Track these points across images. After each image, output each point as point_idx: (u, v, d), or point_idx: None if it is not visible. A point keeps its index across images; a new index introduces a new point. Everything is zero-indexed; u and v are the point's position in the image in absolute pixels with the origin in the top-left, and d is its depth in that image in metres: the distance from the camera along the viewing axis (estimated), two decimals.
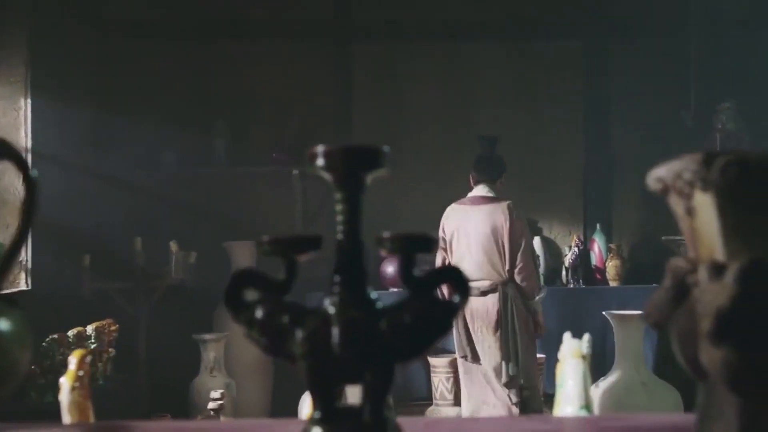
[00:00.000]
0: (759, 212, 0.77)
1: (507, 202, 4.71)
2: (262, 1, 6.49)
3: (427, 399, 5.57)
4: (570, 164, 6.57)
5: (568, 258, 6.12)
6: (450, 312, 0.85)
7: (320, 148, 0.84)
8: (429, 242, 0.86)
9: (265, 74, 6.45)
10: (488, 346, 4.65)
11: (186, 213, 6.11)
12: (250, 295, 0.87)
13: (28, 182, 0.93)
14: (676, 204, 0.84)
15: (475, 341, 4.69)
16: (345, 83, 6.59)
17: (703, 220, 0.80)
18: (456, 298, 0.85)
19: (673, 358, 0.86)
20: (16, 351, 0.94)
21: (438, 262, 4.82)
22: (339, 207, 0.86)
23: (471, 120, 6.53)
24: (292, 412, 4.47)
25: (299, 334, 0.83)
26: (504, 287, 4.63)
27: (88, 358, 1.27)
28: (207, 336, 5.46)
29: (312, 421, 0.83)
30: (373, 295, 0.85)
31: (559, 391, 1.33)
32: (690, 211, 0.82)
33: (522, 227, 4.73)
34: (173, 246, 5.51)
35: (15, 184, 4.84)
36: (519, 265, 4.66)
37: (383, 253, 0.88)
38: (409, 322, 0.83)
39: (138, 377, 5.33)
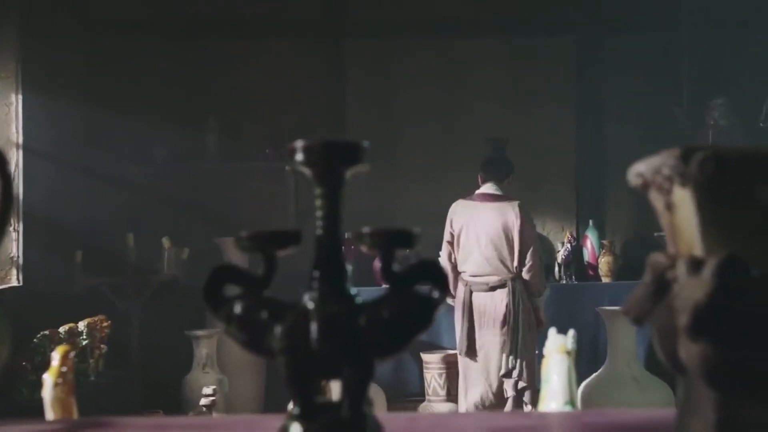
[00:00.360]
0: (737, 207, 0.77)
1: (517, 202, 4.86)
2: None
3: (420, 395, 5.58)
4: (563, 161, 6.57)
5: (561, 254, 6.13)
6: (429, 307, 0.85)
7: (299, 143, 0.84)
8: (408, 238, 0.86)
9: (258, 70, 6.43)
10: (493, 340, 4.71)
11: (178, 209, 6.10)
12: (233, 291, 0.87)
13: (4, 177, 0.93)
14: (656, 199, 0.84)
15: (477, 336, 4.75)
16: (338, 80, 6.58)
17: (682, 215, 0.80)
18: (436, 294, 0.85)
19: None
20: None
21: (444, 256, 4.91)
22: (318, 202, 0.85)
23: (464, 116, 6.54)
24: (285, 408, 4.45)
25: (278, 329, 0.82)
26: (513, 283, 4.74)
27: (72, 354, 1.27)
28: (199, 332, 5.45)
29: (290, 417, 0.83)
30: (353, 290, 0.85)
31: (544, 387, 1.33)
32: (669, 207, 0.82)
33: (532, 227, 4.92)
34: (165, 242, 5.50)
35: None
36: (529, 263, 4.80)
37: (363, 249, 0.88)
38: (388, 318, 0.83)
39: (130, 373, 5.33)
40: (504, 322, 4.70)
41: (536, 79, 6.60)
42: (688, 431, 0.80)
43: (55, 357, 1.26)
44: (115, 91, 6.15)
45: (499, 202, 4.85)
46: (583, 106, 6.60)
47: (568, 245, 6.13)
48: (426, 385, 5.51)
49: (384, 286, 0.88)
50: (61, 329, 4.31)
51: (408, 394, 5.66)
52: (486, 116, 6.47)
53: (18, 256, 4.97)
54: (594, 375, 5.32)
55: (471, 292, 4.78)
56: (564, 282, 6.10)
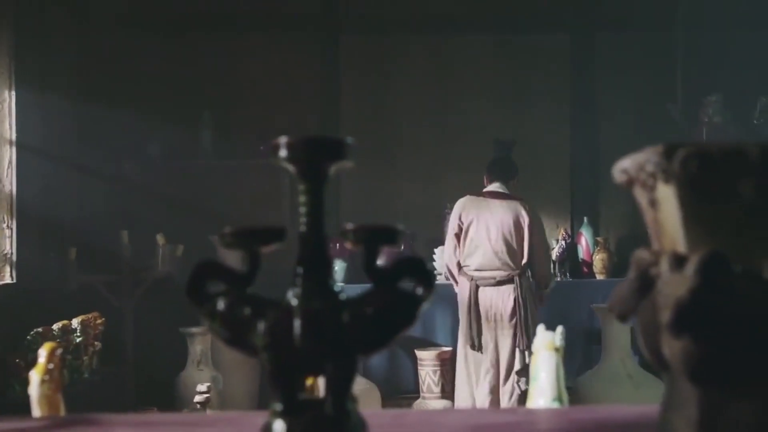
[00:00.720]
0: (720, 204, 0.77)
1: (524, 200, 4.95)
2: None
3: (415, 392, 5.58)
4: (557, 158, 6.58)
5: (556, 251, 6.13)
6: (413, 304, 0.85)
7: (283, 139, 0.84)
8: (392, 234, 0.86)
9: (253, 67, 6.43)
10: (501, 335, 4.74)
11: (172, 206, 6.09)
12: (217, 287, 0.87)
13: None
14: (640, 196, 0.84)
15: (485, 331, 4.77)
16: (333, 77, 6.58)
17: (666, 211, 0.80)
18: (419, 290, 0.85)
19: None
20: None
21: (449, 250, 4.94)
22: (302, 198, 0.85)
23: (459, 114, 6.54)
24: None
25: (261, 325, 0.82)
26: (520, 278, 4.79)
27: (59, 351, 1.27)
28: (194, 329, 5.45)
29: (274, 414, 0.82)
30: (337, 286, 0.85)
31: (532, 384, 1.33)
32: (653, 203, 0.82)
33: (540, 225, 5.00)
34: (160, 239, 5.49)
35: None
36: (538, 260, 4.89)
37: (347, 245, 0.88)
38: (372, 314, 0.83)
39: (124, 371, 5.32)
40: (512, 316, 4.75)
41: (531, 77, 6.60)
42: (671, 427, 0.80)
43: (42, 354, 1.26)
44: (110, 88, 6.14)
45: (507, 200, 4.92)
46: (578, 103, 6.61)
47: (563, 242, 6.13)
48: (420, 382, 5.51)
49: None
50: (55, 326, 4.31)
51: (402, 391, 5.67)
52: (481, 114, 6.47)
53: (12, 253, 4.96)
54: (589, 372, 5.33)
55: (477, 287, 4.79)
56: (558, 279, 6.10)
